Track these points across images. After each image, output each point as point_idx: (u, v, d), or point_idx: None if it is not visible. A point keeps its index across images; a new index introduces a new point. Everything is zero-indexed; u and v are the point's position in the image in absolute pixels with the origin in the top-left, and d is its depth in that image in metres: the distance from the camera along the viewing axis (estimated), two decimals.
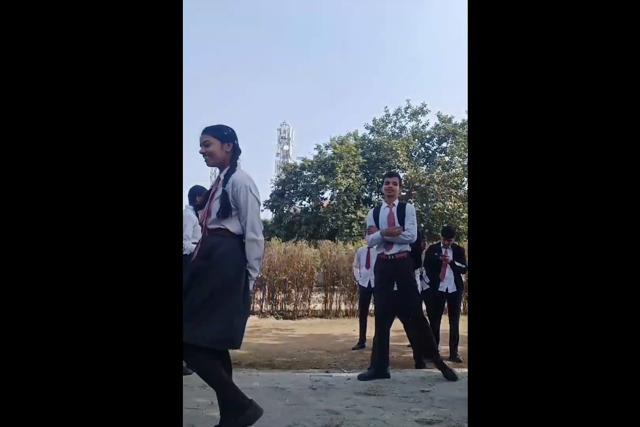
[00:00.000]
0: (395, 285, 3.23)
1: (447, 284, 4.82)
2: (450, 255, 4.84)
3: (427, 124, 23.17)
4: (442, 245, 4.95)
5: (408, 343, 4.30)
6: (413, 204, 20.30)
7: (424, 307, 5.86)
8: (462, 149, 20.29)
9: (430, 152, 23.34)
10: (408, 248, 3.29)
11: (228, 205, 1.91)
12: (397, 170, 21.33)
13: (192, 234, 3.49)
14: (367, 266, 5.46)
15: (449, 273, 4.82)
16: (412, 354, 4.06)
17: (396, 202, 3.43)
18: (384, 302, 3.30)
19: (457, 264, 4.77)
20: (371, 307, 5.16)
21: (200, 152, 2.01)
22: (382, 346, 3.26)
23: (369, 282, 5.31)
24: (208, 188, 2.25)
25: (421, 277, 5.73)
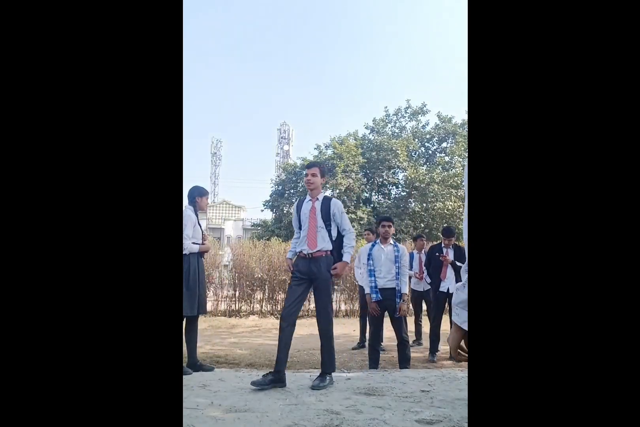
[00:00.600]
0: (313, 284, 3.00)
1: (448, 284, 4.80)
2: (451, 255, 4.84)
3: (427, 124, 23.20)
4: (443, 245, 4.96)
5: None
6: (413, 204, 20.28)
7: (424, 306, 5.88)
8: (462, 149, 20.30)
9: (430, 152, 23.35)
10: (329, 247, 3.02)
11: None
12: (397, 170, 21.30)
13: (192, 234, 3.50)
14: None
15: (449, 273, 4.81)
16: (413, 355, 4.06)
17: (321, 196, 3.11)
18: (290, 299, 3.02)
19: (458, 264, 4.77)
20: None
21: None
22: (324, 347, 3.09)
23: None
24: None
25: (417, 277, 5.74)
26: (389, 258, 3.85)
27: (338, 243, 3.09)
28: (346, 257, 3.04)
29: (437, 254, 4.94)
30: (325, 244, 3.03)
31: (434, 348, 4.75)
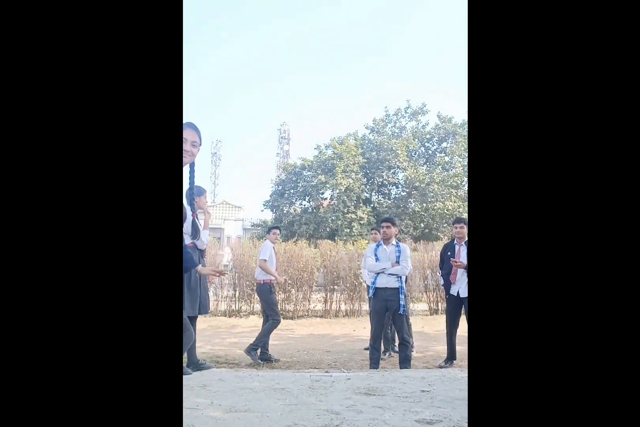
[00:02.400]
0: None
1: (458, 287, 4.35)
2: (463, 254, 4.39)
3: (427, 124, 23.23)
4: (455, 242, 4.53)
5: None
6: (413, 204, 20.29)
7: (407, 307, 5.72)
8: (462, 149, 20.33)
9: (430, 152, 23.37)
10: None
11: None
12: (397, 170, 21.27)
13: (187, 230, 3.50)
14: None
15: (461, 275, 4.33)
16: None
17: None
18: None
19: None
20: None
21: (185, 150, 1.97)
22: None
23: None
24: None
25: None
26: (390, 258, 3.91)
27: None
28: None
29: (448, 253, 4.51)
30: None
31: (449, 355, 4.37)
